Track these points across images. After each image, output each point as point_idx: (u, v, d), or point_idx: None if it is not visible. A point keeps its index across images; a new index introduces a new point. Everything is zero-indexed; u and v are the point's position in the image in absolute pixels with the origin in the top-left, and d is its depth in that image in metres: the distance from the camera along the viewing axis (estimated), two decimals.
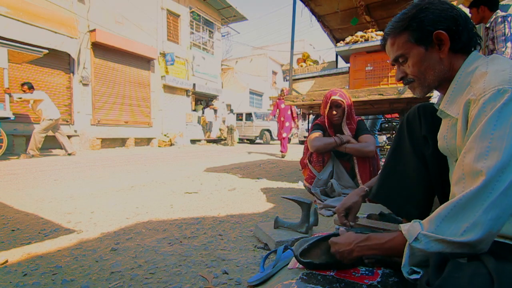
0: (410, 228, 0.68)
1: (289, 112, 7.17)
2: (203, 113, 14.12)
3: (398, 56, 0.86)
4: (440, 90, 0.87)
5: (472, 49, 0.81)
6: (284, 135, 7.04)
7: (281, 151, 7.04)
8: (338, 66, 3.67)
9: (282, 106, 7.16)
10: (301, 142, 14.07)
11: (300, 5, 3.69)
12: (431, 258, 0.66)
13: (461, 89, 0.78)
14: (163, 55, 11.51)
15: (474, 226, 0.59)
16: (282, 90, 7.33)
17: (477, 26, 3.02)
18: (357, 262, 0.88)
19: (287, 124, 7.08)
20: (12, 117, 5.64)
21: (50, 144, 7.97)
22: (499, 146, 0.60)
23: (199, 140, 12.93)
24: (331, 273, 0.90)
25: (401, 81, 0.90)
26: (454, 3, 4.02)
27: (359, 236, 0.82)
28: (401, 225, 0.72)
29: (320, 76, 3.38)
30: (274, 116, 8.09)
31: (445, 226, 0.62)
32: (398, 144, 1.10)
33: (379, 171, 1.18)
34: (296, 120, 7.41)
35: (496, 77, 0.66)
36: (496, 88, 0.64)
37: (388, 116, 4.80)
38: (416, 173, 1.03)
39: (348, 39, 3.06)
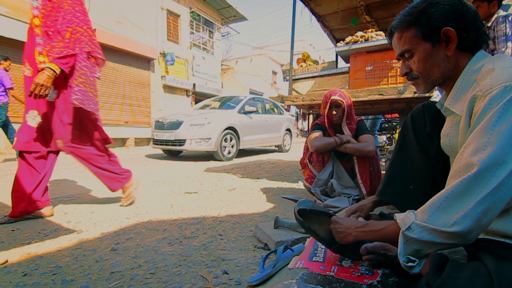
0: (404, 218, 0.70)
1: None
2: None
3: (404, 51, 0.84)
4: (444, 87, 0.86)
5: (479, 48, 0.80)
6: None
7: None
8: (338, 66, 3.67)
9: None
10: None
11: (300, 5, 3.69)
12: (430, 258, 0.66)
13: (466, 87, 0.77)
14: (163, 55, 11.51)
15: (464, 217, 0.60)
16: None
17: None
18: (347, 250, 0.94)
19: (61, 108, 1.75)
20: None
21: None
22: (495, 141, 0.60)
23: None
24: (331, 273, 0.90)
25: (405, 77, 0.89)
26: None
27: (359, 222, 0.87)
28: (396, 214, 0.73)
29: (320, 76, 3.38)
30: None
31: (437, 216, 0.63)
32: (403, 142, 1.10)
33: (386, 169, 1.18)
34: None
35: (504, 74, 0.66)
36: (504, 84, 0.64)
37: (388, 116, 4.80)
38: (422, 169, 1.03)
39: (348, 39, 3.06)
